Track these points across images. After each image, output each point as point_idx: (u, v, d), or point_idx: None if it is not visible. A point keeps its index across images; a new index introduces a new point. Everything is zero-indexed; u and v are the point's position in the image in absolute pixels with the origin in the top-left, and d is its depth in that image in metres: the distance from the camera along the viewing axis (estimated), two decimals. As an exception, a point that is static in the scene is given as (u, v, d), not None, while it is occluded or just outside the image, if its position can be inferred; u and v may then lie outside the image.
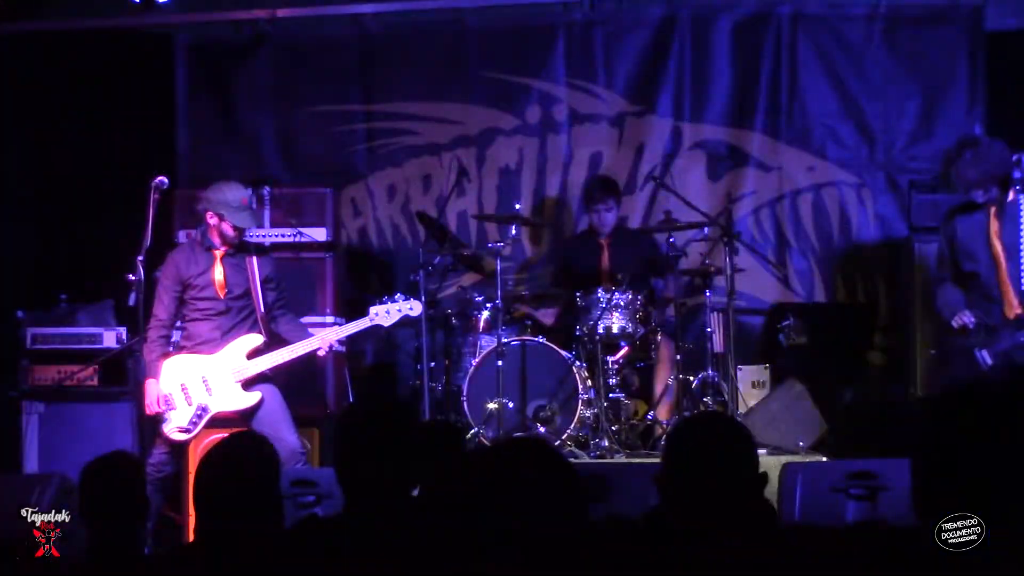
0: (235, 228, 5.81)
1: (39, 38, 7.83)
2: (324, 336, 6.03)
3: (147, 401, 5.77)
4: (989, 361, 5.36)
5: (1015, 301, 5.42)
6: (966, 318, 5.45)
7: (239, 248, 5.93)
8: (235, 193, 5.81)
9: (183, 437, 5.77)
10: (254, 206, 6.63)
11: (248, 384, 5.81)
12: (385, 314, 5.98)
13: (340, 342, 6.83)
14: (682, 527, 2.67)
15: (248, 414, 5.79)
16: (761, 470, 2.82)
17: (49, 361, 6.60)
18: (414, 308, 6.05)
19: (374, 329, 6.14)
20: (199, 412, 5.75)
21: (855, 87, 7.50)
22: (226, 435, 3.40)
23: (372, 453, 3.00)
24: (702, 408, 6.54)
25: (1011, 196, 5.48)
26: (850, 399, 7.21)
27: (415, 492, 3.62)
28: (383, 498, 2.97)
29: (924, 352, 6.54)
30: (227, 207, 5.76)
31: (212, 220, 5.82)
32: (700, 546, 2.59)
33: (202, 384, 5.78)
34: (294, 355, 5.88)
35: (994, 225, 5.51)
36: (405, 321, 6.83)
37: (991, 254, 5.50)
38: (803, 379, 6.75)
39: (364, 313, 6.02)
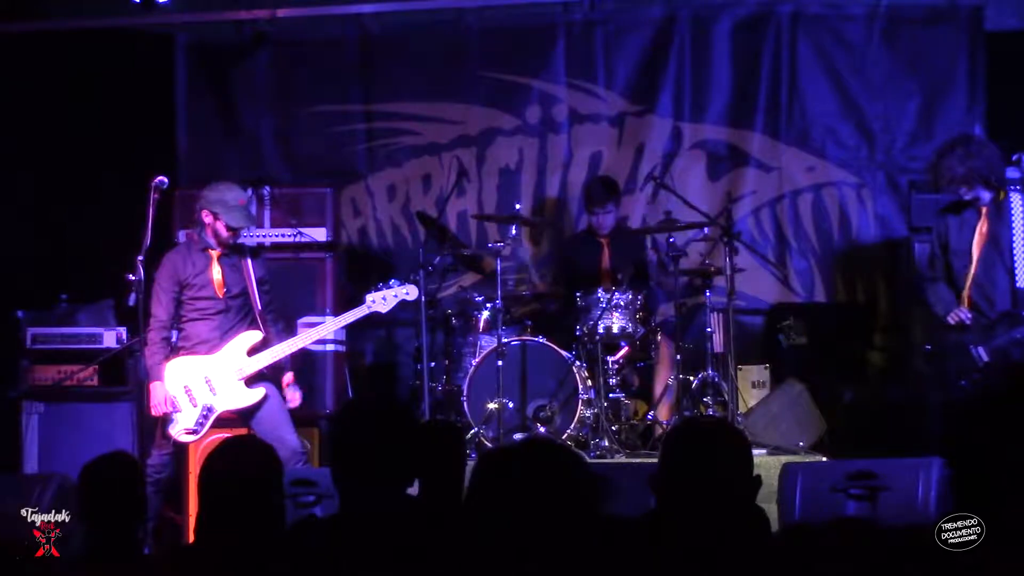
0: (228, 228, 5.81)
1: (39, 38, 7.82)
2: (324, 327, 6.07)
3: (154, 403, 5.76)
4: (985, 357, 5.37)
5: (967, 300, 5.47)
6: (962, 314, 5.47)
7: (234, 249, 5.94)
8: (231, 193, 5.81)
9: (191, 439, 5.78)
10: (252, 207, 6.65)
11: (250, 382, 5.81)
12: (382, 300, 5.98)
13: (339, 340, 6.86)
14: (680, 528, 2.68)
15: (248, 413, 5.80)
16: (756, 473, 2.83)
17: (49, 361, 6.60)
18: (410, 292, 6.04)
19: (373, 318, 6.14)
20: (205, 412, 5.75)
21: (855, 87, 7.50)
22: (228, 438, 3.40)
23: (367, 452, 3.01)
24: (702, 408, 6.54)
25: (1002, 196, 5.50)
26: (850, 399, 7.21)
27: (415, 491, 3.62)
28: (379, 497, 2.98)
29: (919, 349, 6.55)
30: (222, 206, 5.77)
31: (207, 219, 5.83)
32: (699, 547, 2.60)
33: (205, 385, 5.78)
34: (294, 348, 5.91)
35: (983, 225, 5.52)
36: (405, 320, 6.85)
37: (976, 251, 5.53)
38: (803, 379, 6.76)
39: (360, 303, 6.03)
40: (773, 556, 2.61)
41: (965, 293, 5.52)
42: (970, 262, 5.54)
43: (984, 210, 5.53)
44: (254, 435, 3.69)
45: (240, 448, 3.22)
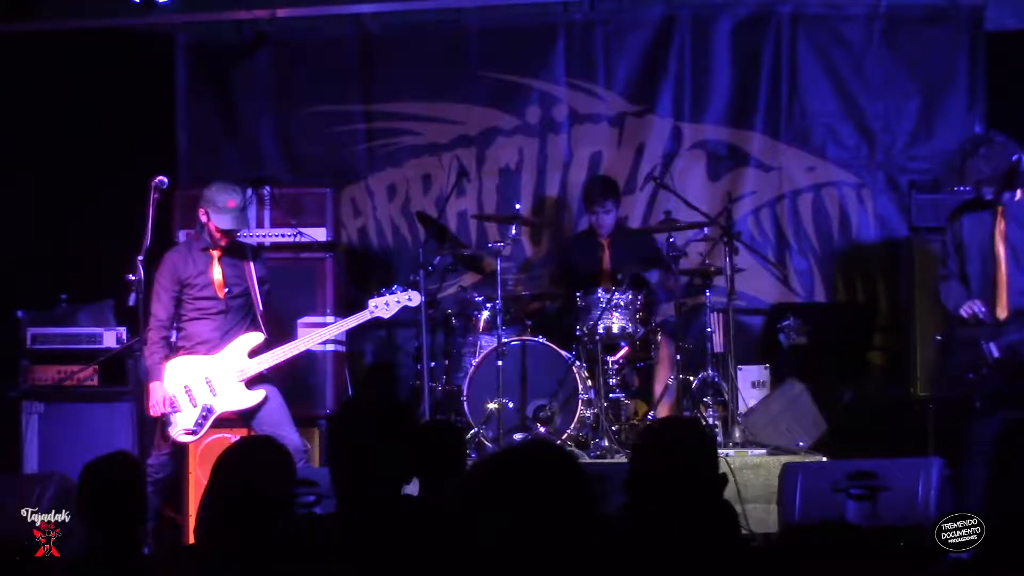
0: (218, 229, 5.82)
1: (39, 38, 7.83)
2: (325, 331, 6.11)
3: (153, 402, 5.76)
4: (996, 354, 5.34)
5: (1006, 301, 5.43)
6: (976, 307, 5.44)
7: (235, 249, 5.94)
8: (223, 195, 5.80)
9: (190, 439, 5.78)
10: (252, 208, 6.66)
11: (251, 383, 5.82)
12: (384, 306, 6.00)
13: (339, 340, 6.87)
14: (650, 525, 2.75)
15: (249, 414, 5.80)
16: (721, 471, 2.92)
17: (49, 361, 6.60)
18: (412, 299, 6.05)
19: (374, 321, 6.15)
20: (204, 413, 5.75)
21: (855, 87, 7.50)
22: (245, 438, 3.40)
23: (367, 452, 3.01)
24: (702, 408, 6.54)
25: (1018, 196, 5.48)
26: (850, 399, 7.21)
27: (415, 491, 3.62)
28: (378, 497, 2.98)
29: (924, 351, 6.54)
30: (213, 206, 5.78)
31: (203, 218, 5.85)
32: (668, 543, 2.66)
33: (206, 385, 5.78)
34: (296, 351, 5.91)
35: (1000, 224, 5.50)
36: (405, 321, 6.84)
37: (994, 253, 5.50)
38: (803, 379, 6.76)
39: (363, 308, 6.04)
40: (742, 551, 2.69)
41: (1004, 298, 5.46)
42: (995, 262, 5.50)
43: (1000, 209, 5.51)
44: (271, 437, 3.69)
45: (256, 450, 3.23)
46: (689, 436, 2.99)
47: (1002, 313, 5.43)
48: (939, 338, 5.91)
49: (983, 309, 5.43)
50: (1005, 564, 2.43)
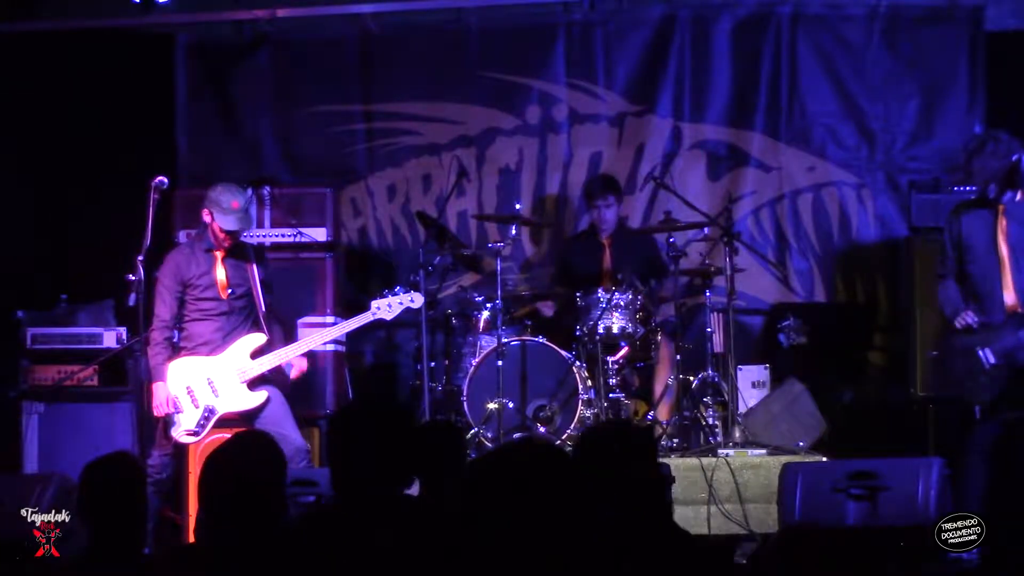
0: (222, 230, 5.82)
1: (39, 38, 7.83)
2: (327, 332, 6.14)
3: (156, 403, 5.77)
4: (992, 360, 5.33)
5: (1017, 300, 5.41)
6: (969, 318, 5.43)
7: (238, 250, 5.94)
8: (227, 196, 5.82)
9: (191, 440, 5.79)
10: (253, 208, 6.67)
11: (253, 384, 5.82)
12: (387, 308, 6.01)
13: (339, 340, 6.87)
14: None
15: (251, 415, 5.81)
16: (663, 473, 2.99)
17: (49, 361, 6.61)
18: (415, 300, 6.07)
19: (377, 323, 6.16)
20: (206, 414, 5.76)
21: (855, 87, 7.50)
22: (235, 433, 3.40)
23: (367, 452, 3.02)
24: (702, 408, 6.54)
25: (1019, 197, 5.47)
26: (850, 399, 7.21)
27: (415, 490, 3.63)
28: (378, 497, 2.99)
29: (925, 352, 6.54)
30: (217, 207, 5.79)
31: (207, 218, 5.85)
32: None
33: (208, 386, 5.78)
34: (299, 351, 5.92)
35: (1002, 223, 5.49)
36: (405, 321, 6.85)
37: (996, 252, 5.48)
38: (803, 379, 6.76)
39: (365, 310, 6.05)
40: (679, 552, 2.77)
41: (1013, 297, 5.43)
42: (998, 262, 5.47)
43: (1002, 208, 5.49)
44: (261, 431, 3.70)
45: (246, 444, 3.23)
46: (624, 439, 3.04)
47: (1011, 307, 5.40)
48: (934, 353, 5.90)
49: (975, 319, 5.42)
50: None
